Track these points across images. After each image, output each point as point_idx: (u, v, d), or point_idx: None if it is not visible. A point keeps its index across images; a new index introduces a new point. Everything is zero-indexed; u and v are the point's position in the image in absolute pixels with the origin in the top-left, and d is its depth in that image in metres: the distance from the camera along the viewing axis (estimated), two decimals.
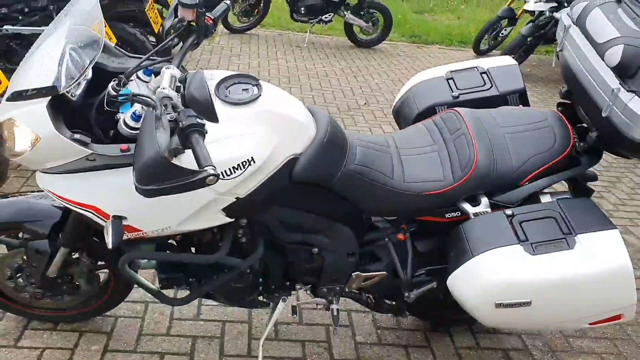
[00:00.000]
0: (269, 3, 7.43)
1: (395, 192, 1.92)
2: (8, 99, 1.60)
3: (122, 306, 2.47)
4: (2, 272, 2.13)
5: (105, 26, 3.75)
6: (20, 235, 2.05)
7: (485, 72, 2.31)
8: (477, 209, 1.92)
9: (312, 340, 2.43)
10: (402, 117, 2.36)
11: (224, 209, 1.76)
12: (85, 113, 1.73)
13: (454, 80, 2.31)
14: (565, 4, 6.04)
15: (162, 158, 1.34)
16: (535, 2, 6.52)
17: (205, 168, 1.36)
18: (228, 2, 2.07)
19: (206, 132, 1.50)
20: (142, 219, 1.72)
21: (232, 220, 1.82)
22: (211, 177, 1.36)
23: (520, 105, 2.24)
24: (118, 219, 1.68)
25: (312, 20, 7.34)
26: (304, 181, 1.83)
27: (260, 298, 2.18)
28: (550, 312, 1.79)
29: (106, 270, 2.19)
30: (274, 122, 1.75)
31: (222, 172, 1.64)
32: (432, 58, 7.54)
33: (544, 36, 6.58)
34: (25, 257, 2.06)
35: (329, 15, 7.34)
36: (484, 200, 1.93)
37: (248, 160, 1.67)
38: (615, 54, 1.70)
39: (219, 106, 1.70)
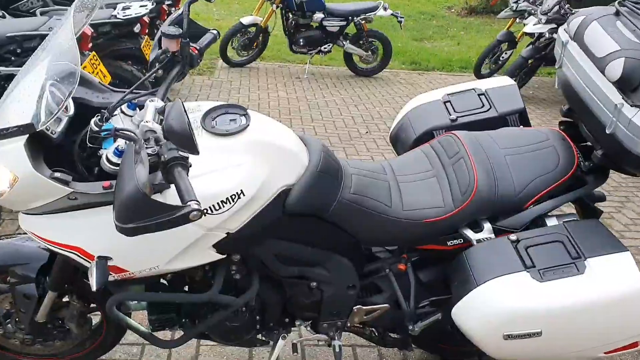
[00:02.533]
0: (268, 36, 7.44)
1: (394, 221, 1.84)
2: None
3: (118, 349, 2.38)
4: None
5: (99, 64, 3.77)
6: (7, 279, 1.98)
7: (483, 94, 2.25)
8: (479, 235, 1.83)
9: None
10: (400, 143, 2.29)
11: (214, 245, 1.68)
12: (69, 151, 1.68)
13: (451, 103, 2.25)
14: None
15: (141, 194, 1.27)
16: (534, 25, 6.49)
17: (189, 203, 1.29)
18: (214, 32, 2.03)
19: (190, 166, 1.44)
20: (128, 258, 1.64)
21: (224, 256, 1.74)
22: (195, 213, 1.29)
23: (521, 126, 2.17)
24: (103, 259, 1.60)
25: (311, 52, 7.34)
26: (298, 212, 1.75)
27: (259, 336, 2.08)
28: (563, 342, 1.69)
29: (98, 313, 2.11)
30: (264, 152, 1.69)
31: (210, 207, 1.58)
32: (434, 84, 7.51)
33: (545, 58, 6.54)
34: (13, 302, 1.98)
35: (328, 45, 7.34)
36: (487, 225, 1.84)
37: (237, 193, 1.60)
38: (616, 68, 1.63)
39: (205, 138, 1.65)
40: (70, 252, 1.62)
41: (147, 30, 4.48)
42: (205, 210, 1.55)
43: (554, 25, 6.22)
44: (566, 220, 1.84)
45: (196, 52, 1.87)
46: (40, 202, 1.56)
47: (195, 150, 1.38)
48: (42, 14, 3.34)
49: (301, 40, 7.25)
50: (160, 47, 1.80)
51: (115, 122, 1.67)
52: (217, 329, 1.95)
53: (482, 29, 11.29)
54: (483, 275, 1.69)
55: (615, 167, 1.86)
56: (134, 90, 1.74)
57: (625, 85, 1.63)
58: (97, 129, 1.59)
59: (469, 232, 1.85)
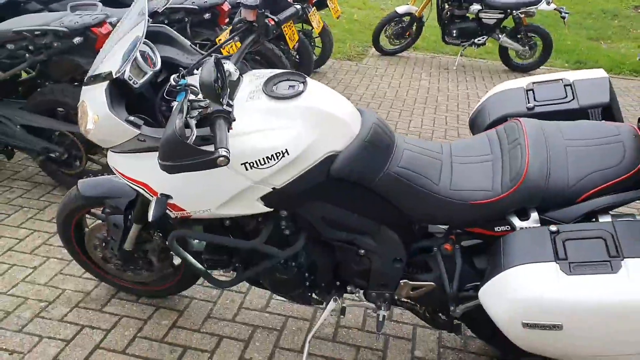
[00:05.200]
0: (422, 26, 7.45)
1: (439, 199, 1.87)
2: (84, 84, 1.86)
3: (200, 289, 2.68)
4: (92, 242, 2.42)
5: (238, 41, 4.08)
6: (104, 210, 2.32)
7: (569, 85, 2.16)
8: (524, 224, 1.79)
9: (368, 347, 2.41)
10: (476, 127, 2.28)
11: (262, 198, 1.85)
12: (154, 102, 1.95)
13: (533, 92, 2.19)
14: None
15: (177, 137, 1.47)
16: None
17: (219, 150, 1.47)
18: (298, 6, 2.18)
19: (233, 120, 1.63)
20: (185, 198, 1.87)
21: (272, 210, 1.90)
22: (222, 159, 1.47)
23: (603, 121, 2.05)
24: (164, 196, 1.86)
25: (464, 43, 7.22)
26: (343, 179, 1.85)
27: (313, 295, 2.22)
28: (588, 341, 1.61)
29: None
30: (314, 118, 1.81)
31: (256, 161, 1.74)
32: None
33: None
34: (107, 230, 2.33)
35: (482, 38, 7.16)
36: (534, 215, 1.80)
37: (282, 152, 1.74)
38: None
39: (263, 100, 1.81)
40: (139, 186, 1.89)
41: None
42: (251, 163, 1.74)
43: None
44: (620, 219, 1.73)
45: (273, 23, 2.04)
46: (119, 140, 1.84)
47: (218, 102, 1.54)
48: (72, 8, 3.34)
49: (454, 31, 7.16)
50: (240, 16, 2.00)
51: (193, 80, 1.90)
52: (267, 278, 2.12)
53: None
54: (512, 261, 1.66)
55: None
56: (212, 54, 1.94)
57: None
58: (174, 83, 1.83)
59: (515, 220, 1.81)
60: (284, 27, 4.66)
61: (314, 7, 5.66)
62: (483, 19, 7.07)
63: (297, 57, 5.53)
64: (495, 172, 1.89)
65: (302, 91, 1.83)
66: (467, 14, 7.13)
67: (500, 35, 7.11)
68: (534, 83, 2.23)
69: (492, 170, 1.90)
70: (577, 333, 1.59)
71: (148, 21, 1.91)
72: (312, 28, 5.73)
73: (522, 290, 1.61)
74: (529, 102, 2.15)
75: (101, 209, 2.35)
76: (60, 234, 2.47)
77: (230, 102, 1.70)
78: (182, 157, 1.50)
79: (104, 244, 2.40)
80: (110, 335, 2.38)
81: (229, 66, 1.88)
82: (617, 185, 1.76)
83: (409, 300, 2.18)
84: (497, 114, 2.18)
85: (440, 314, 2.19)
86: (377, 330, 2.13)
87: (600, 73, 2.19)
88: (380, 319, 2.14)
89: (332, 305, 2.18)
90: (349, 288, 2.18)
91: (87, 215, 2.47)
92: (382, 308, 2.14)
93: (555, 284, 1.57)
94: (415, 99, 5.87)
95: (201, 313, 2.55)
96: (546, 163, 1.80)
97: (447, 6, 7.16)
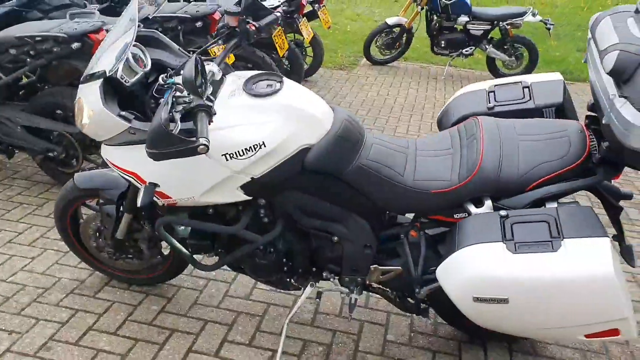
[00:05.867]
0: (412, 37, 7.66)
1: (404, 188, 2.05)
2: (80, 82, 2.05)
3: (187, 279, 2.85)
4: (87, 232, 2.60)
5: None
6: (98, 201, 2.50)
7: (527, 87, 2.34)
8: (479, 210, 1.97)
9: (343, 331, 2.59)
10: (442, 125, 2.46)
11: (241, 187, 2.03)
12: (144, 100, 2.13)
13: (494, 93, 2.37)
14: None
15: (162, 128, 1.65)
16: None
17: (199, 139, 1.66)
18: (278, 14, 2.38)
19: (214, 113, 1.81)
20: (171, 187, 2.05)
21: (251, 198, 2.08)
22: (202, 147, 1.66)
23: (556, 118, 2.23)
24: (152, 185, 2.04)
25: (452, 54, 7.42)
26: (316, 170, 2.03)
27: (292, 281, 2.39)
28: (531, 315, 1.78)
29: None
30: (289, 114, 1.99)
31: (235, 152, 1.93)
32: (578, 95, 7.21)
33: None
34: (101, 220, 2.51)
35: (470, 49, 7.37)
36: (488, 202, 1.98)
37: (259, 144, 1.93)
38: (610, 60, 1.69)
39: (243, 97, 2.00)
40: (129, 176, 2.08)
41: (279, 21, 4.94)
42: (231, 154, 1.92)
43: None
44: (563, 205, 1.92)
45: (254, 28, 2.23)
46: (111, 133, 2.02)
47: (198, 95, 1.72)
48: (71, 16, 3.52)
49: (443, 42, 7.37)
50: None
51: (179, 79, 2.08)
52: (247, 263, 2.29)
53: None
54: (464, 242, 1.84)
55: (620, 160, 1.89)
56: (198, 56, 2.13)
57: (617, 76, 1.69)
58: (162, 82, 2.03)
59: (471, 207, 1.99)
60: (275, 37, 4.86)
61: (304, 18, 5.88)
62: (470, 30, 7.29)
63: (289, 65, 5.73)
64: (454, 164, 2.07)
65: (279, 89, 2.02)
66: (455, 26, 7.33)
67: (487, 46, 7.33)
68: (495, 85, 2.42)
69: (452, 163, 2.08)
70: (521, 306, 1.77)
71: (139, 26, 2.11)
72: (303, 38, 5.95)
73: (472, 267, 1.79)
74: (489, 103, 2.34)
75: (95, 200, 2.53)
76: (57, 224, 2.64)
77: (212, 98, 1.89)
78: (167, 145, 1.69)
79: (97, 233, 2.57)
80: (102, 318, 2.55)
81: (212, 67, 2.07)
82: (562, 176, 1.94)
83: (380, 286, 2.36)
84: (460, 113, 2.36)
85: (408, 298, 2.36)
86: (349, 312, 2.30)
87: (556, 76, 2.37)
88: (353, 302, 2.31)
89: (308, 290, 2.36)
90: (324, 274, 2.35)
91: (82, 207, 2.65)
92: (355, 292, 2.31)
93: (502, 261, 1.75)
94: (403, 106, 6.07)
95: (188, 300, 2.72)
96: (499, 156, 1.98)
97: (435, 18, 7.37)
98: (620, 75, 1.68)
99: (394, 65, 7.88)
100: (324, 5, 6.48)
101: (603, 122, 1.77)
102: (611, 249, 1.70)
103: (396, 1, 12.59)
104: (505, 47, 7.34)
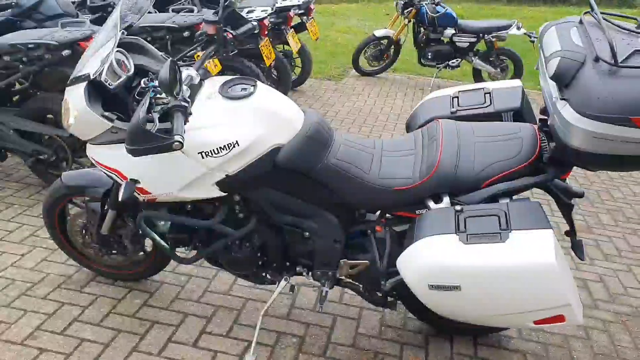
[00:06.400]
0: (400, 49, 7.85)
1: (369, 186, 2.19)
2: (67, 85, 2.19)
3: (170, 275, 2.98)
4: (74, 229, 2.73)
5: (215, 58, 4.43)
6: (85, 199, 2.64)
7: (489, 92, 2.50)
8: (438, 206, 2.12)
9: (317, 325, 2.72)
10: (410, 128, 2.61)
11: (217, 183, 2.17)
12: (126, 101, 2.28)
13: (458, 99, 2.53)
14: None
15: (139, 126, 1.80)
16: None
17: (174, 136, 1.80)
18: (254, 23, 2.53)
19: (190, 114, 1.96)
20: (151, 183, 2.19)
21: (226, 194, 2.22)
22: (177, 143, 1.80)
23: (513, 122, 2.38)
24: (133, 181, 2.18)
25: (438, 65, 7.60)
26: (287, 168, 2.17)
27: (267, 275, 2.52)
28: (481, 301, 1.93)
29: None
30: (262, 115, 2.14)
31: (210, 150, 2.07)
32: None
33: None
34: (87, 217, 2.64)
35: (456, 60, 7.55)
36: (446, 199, 2.12)
37: (233, 143, 2.07)
38: (552, 66, 1.85)
39: (219, 100, 2.14)
40: (112, 173, 2.21)
41: (266, 32, 5.11)
42: (206, 152, 2.06)
43: None
44: (514, 201, 2.06)
45: (231, 36, 2.38)
46: (95, 132, 2.16)
47: (172, 95, 1.86)
48: (62, 25, 3.68)
49: (430, 54, 7.55)
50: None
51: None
52: (224, 257, 2.43)
53: None
54: (421, 234, 1.98)
55: (565, 159, 2.03)
56: (178, 62, 2.28)
57: (558, 81, 1.85)
58: (144, 86, 2.17)
59: (431, 203, 2.14)
60: (262, 47, 5.01)
61: (292, 29, 6.07)
62: (457, 43, 7.47)
63: (277, 75, 5.89)
64: (416, 163, 2.22)
65: (253, 93, 2.17)
66: (442, 38, 7.52)
67: (473, 58, 7.51)
68: (459, 91, 2.57)
69: (414, 162, 2.23)
70: (473, 294, 1.91)
71: (123, 33, 2.26)
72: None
73: (427, 256, 1.94)
74: (453, 107, 2.49)
75: (82, 198, 2.66)
76: (45, 221, 2.78)
77: (188, 100, 2.03)
78: (144, 142, 1.83)
79: (83, 230, 2.71)
80: (87, 311, 2.68)
81: (190, 72, 2.22)
82: (514, 174, 2.09)
83: (350, 280, 2.49)
84: (426, 117, 2.51)
85: (377, 291, 2.50)
86: (320, 303, 2.43)
87: (516, 83, 2.53)
88: (324, 294, 2.44)
89: (282, 284, 2.49)
90: (297, 268, 2.48)
91: (69, 205, 2.78)
92: (326, 285, 2.44)
93: (454, 251, 1.89)
94: (388, 115, 6.24)
95: (170, 295, 2.85)
96: (456, 155, 2.13)
97: (422, 30, 7.56)
98: (561, 80, 1.84)
99: (382, 76, 8.05)
100: (312, 18, 6.65)
101: (549, 123, 1.92)
102: (554, 239, 1.84)
103: (387, 14, 12.81)
104: (491, 59, 7.52)
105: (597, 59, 1.78)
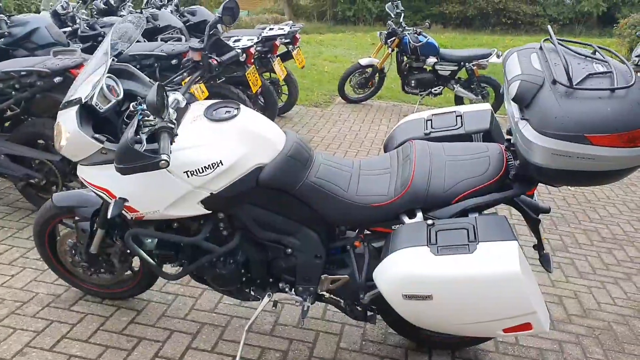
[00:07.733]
0: (384, 77, 8.05)
1: (348, 203, 2.31)
2: (59, 109, 2.31)
3: (157, 294, 3.06)
4: (63, 248, 2.82)
5: (202, 84, 4.57)
6: (74, 219, 2.73)
7: (460, 115, 2.64)
8: (412, 221, 2.24)
9: (300, 340, 2.80)
10: (387, 149, 2.74)
11: (202, 202, 2.28)
12: (116, 124, 2.40)
13: (431, 121, 2.67)
14: None
15: (127, 145, 1.92)
16: None
17: (161, 155, 1.92)
18: (239, 51, 2.67)
19: (176, 135, 2.08)
20: (138, 201, 2.29)
21: (211, 212, 2.33)
22: (163, 162, 1.92)
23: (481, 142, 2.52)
24: (121, 199, 2.28)
25: (421, 93, 7.80)
26: (269, 186, 2.29)
27: (251, 292, 2.61)
28: (452, 310, 2.04)
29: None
30: (245, 136, 2.26)
31: (195, 170, 2.18)
32: None
33: None
34: (76, 236, 2.73)
35: (439, 88, 7.76)
36: (419, 214, 2.24)
37: (217, 162, 2.19)
38: (513, 88, 1.99)
39: (204, 122, 2.26)
40: (101, 192, 2.32)
41: (252, 60, 5.27)
42: (192, 171, 2.18)
43: None
44: (482, 215, 2.19)
45: (216, 62, 2.52)
46: (86, 153, 2.27)
47: (159, 116, 1.98)
48: (54, 53, 3.81)
49: (413, 81, 7.75)
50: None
51: None
52: (209, 274, 2.52)
53: None
54: (395, 247, 2.10)
55: (529, 175, 2.17)
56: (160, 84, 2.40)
57: (519, 102, 1.99)
58: (133, 109, 2.29)
59: (405, 218, 2.26)
60: (248, 74, 5.17)
61: (278, 57, 6.25)
62: (439, 71, 7.68)
63: (263, 102, 6.04)
64: (391, 181, 2.35)
65: (236, 115, 2.29)
66: (424, 66, 7.73)
67: (455, 86, 7.71)
68: (433, 114, 2.72)
69: (389, 180, 2.36)
70: (444, 302, 2.02)
71: (113, 60, 2.39)
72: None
73: (401, 267, 2.05)
74: (426, 129, 2.63)
75: (72, 219, 2.76)
76: (35, 240, 2.86)
77: (174, 122, 2.15)
78: (133, 160, 1.95)
79: (73, 250, 2.79)
80: (75, 328, 2.76)
81: (177, 95, 2.35)
82: (483, 190, 2.22)
83: (331, 295, 2.59)
84: (401, 139, 2.65)
85: (357, 306, 2.60)
86: (302, 317, 2.52)
87: (485, 106, 2.68)
88: (305, 309, 2.54)
89: (266, 300, 2.58)
90: (280, 285, 2.58)
91: (60, 226, 2.87)
92: (307, 300, 2.54)
93: (426, 262, 2.01)
94: (373, 140, 6.39)
95: (157, 312, 2.93)
96: (428, 173, 2.26)
97: (405, 59, 7.78)
98: (522, 101, 1.98)
99: (367, 103, 8.24)
100: (298, 47, 6.84)
101: (512, 142, 2.06)
102: (518, 250, 1.96)
103: (374, 44, 13.09)
104: (472, 86, 7.72)
105: (554, 82, 1.93)
